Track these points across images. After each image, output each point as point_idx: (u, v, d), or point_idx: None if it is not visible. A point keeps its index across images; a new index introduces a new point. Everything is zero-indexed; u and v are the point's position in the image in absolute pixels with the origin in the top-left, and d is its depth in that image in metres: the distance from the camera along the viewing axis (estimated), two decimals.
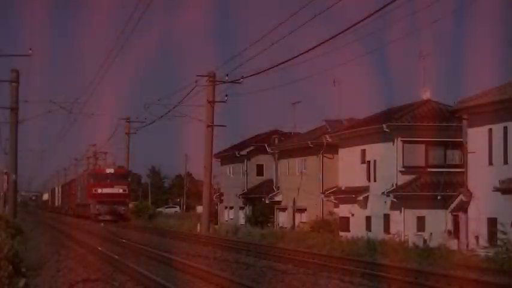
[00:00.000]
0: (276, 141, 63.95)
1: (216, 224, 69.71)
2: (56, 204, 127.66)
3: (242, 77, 43.72)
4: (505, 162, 33.89)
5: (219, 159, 75.05)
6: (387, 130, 44.35)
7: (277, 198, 61.60)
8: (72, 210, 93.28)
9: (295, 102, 67.78)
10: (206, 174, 53.23)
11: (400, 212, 43.73)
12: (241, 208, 70.67)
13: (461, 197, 36.66)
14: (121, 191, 70.54)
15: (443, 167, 43.05)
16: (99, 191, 70.23)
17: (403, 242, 36.46)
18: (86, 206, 75.57)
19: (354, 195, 47.55)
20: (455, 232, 40.39)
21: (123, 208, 70.06)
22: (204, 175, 54.10)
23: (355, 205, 47.96)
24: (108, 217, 68.20)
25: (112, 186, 70.23)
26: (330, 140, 52.39)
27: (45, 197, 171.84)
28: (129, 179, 74.54)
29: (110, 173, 71.63)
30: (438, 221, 41.99)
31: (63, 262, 24.32)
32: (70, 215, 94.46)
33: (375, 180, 46.63)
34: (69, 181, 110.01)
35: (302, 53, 27.39)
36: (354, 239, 38.44)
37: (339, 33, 23.81)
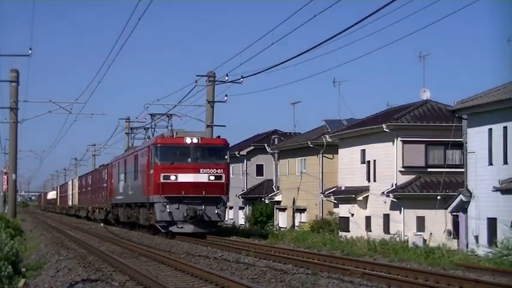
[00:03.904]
0: (276, 141, 63.97)
1: None
2: (70, 203, 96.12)
3: (242, 77, 43.75)
4: (505, 162, 33.89)
5: None
6: (387, 130, 44.38)
7: (277, 198, 61.61)
8: (103, 213, 62.89)
9: (295, 102, 67.97)
10: None
11: (400, 212, 43.75)
12: (241, 208, 70.68)
13: (461, 197, 36.66)
14: (213, 178, 39.21)
15: (443, 167, 43.06)
16: (173, 178, 39.09)
17: (403, 241, 36.50)
18: (140, 207, 44.31)
19: (353, 195, 47.56)
20: (455, 232, 40.41)
21: (216, 211, 39.25)
22: None
23: (355, 205, 47.96)
24: (190, 228, 39.02)
25: (197, 170, 39.09)
26: (329, 140, 52.42)
27: (51, 195, 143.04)
28: (227, 158, 40.38)
29: (192, 144, 39.52)
30: (438, 221, 42.01)
31: (63, 262, 24.32)
32: (94, 220, 68.36)
33: (374, 180, 46.65)
34: (95, 169, 77.70)
35: (302, 53, 27.37)
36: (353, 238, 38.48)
37: (339, 33, 23.78)
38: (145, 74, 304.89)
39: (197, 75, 48.26)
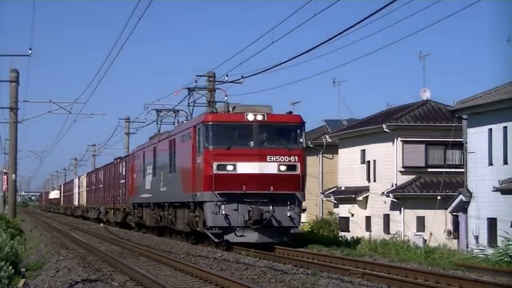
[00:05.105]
0: None
1: None
2: (77, 203, 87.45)
3: (242, 77, 43.74)
4: (505, 162, 33.90)
5: None
6: (387, 130, 44.38)
7: None
8: (119, 214, 54.44)
9: (295, 102, 67.92)
10: None
11: (400, 212, 43.76)
12: None
13: (461, 197, 36.66)
14: (284, 168, 29.55)
15: (443, 167, 43.06)
16: (230, 168, 29.46)
17: (405, 241, 36.47)
18: (178, 208, 34.73)
19: (353, 195, 47.55)
20: (455, 232, 40.42)
21: (289, 213, 29.62)
22: None
23: (355, 205, 47.95)
24: (253, 236, 29.59)
25: (263, 158, 29.48)
26: (329, 140, 52.42)
27: (54, 194, 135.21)
28: (302, 141, 30.28)
29: (256, 122, 29.75)
30: (438, 221, 42.01)
31: (63, 262, 24.32)
32: (107, 223, 60.01)
33: (374, 180, 46.65)
34: (109, 163, 64.72)
35: (302, 53, 27.35)
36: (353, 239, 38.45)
37: (338, 34, 23.78)
38: (145, 74, 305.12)
39: (197, 75, 48.23)
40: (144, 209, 43.49)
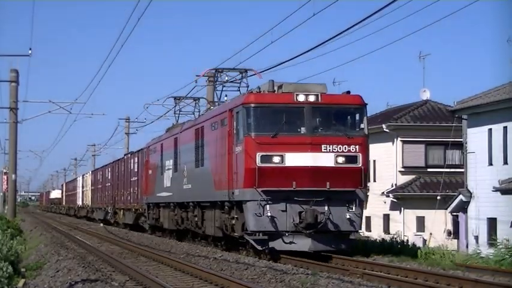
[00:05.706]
0: None
1: None
2: (80, 203, 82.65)
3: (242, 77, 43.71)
4: (505, 162, 33.92)
5: None
6: (387, 130, 44.40)
7: None
8: (130, 215, 49.06)
9: None
10: None
11: (400, 212, 43.77)
12: None
13: (461, 197, 36.68)
14: (342, 160, 24.31)
15: (443, 167, 43.10)
16: (277, 160, 23.90)
17: (405, 242, 36.44)
18: (206, 208, 29.63)
19: None
20: (455, 232, 40.43)
21: (348, 215, 24.29)
22: None
23: None
24: (306, 243, 24.21)
25: (317, 147, 24.12)
26: None
27: (55, 194, 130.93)
28: (364, 127, 25.08)
29: (308, 103, 24.29)
30: (438, 221, 42.02)
31: (63, 262, 24.32)
32: (116, 224, 56.24)
33: (374, 180, 46.67)
34: (118, 159, 58.48)
35: (302, 53, 27.32)
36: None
37: (338, 34, 23.76)
38: (145, 74, 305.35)
39: (197, 75, 48.20)
40: (161, 210, 37.99)
